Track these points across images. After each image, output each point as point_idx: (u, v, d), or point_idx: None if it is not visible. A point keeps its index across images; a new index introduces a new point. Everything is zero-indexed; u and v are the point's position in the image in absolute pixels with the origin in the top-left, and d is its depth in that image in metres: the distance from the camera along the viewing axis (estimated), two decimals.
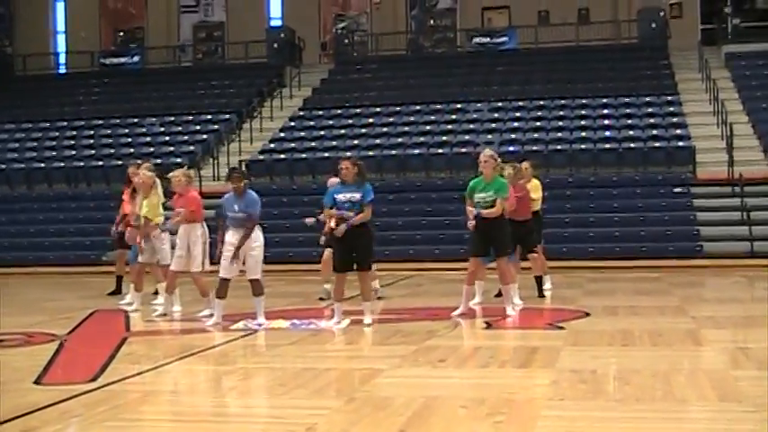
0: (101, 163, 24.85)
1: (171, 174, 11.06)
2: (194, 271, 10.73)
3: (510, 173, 11.64)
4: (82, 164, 25.10)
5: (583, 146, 23.12)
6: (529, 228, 11.93)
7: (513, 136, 24.15)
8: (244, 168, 10.86)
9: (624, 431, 5.23)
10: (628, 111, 24.83)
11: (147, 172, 11.50)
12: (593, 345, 8.29)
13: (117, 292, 13.21)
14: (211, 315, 10.11)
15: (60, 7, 35.22)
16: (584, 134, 23.77)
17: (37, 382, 6.91)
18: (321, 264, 12.51)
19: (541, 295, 12.28)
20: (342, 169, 9.67)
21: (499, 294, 11.66)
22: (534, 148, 23.30)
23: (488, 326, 9.67)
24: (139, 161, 13.05)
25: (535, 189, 12.65)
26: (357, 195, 9.52)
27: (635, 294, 13.09)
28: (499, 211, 10.19)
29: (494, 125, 25.00)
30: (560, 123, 24.60)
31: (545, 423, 5.26)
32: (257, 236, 9.92)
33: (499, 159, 10.51)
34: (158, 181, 11.52)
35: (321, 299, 12.16)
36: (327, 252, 12.63)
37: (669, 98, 25.31)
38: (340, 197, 9.58)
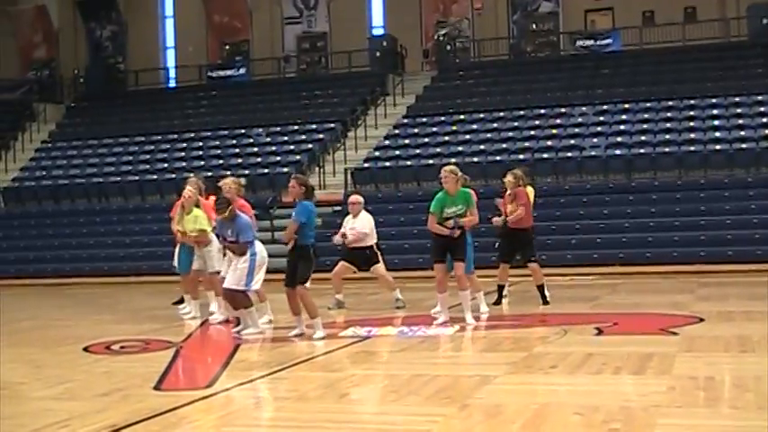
0: (210, 174, 25.33)
1: (222, 182, 11.30)
2: (209, 271, 11.16)
3: (510, 180, 12.17)
4: (192, 175, 25.64)
5: (692, 147, 22.62)
6: (529, 236, 12.18)
7: (619, 139, 23.78)
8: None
9: None
10: (738, 110, 24.17)
11: (191, 188, 11.70)
12: (708, 351, 8.09)
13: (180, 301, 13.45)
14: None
15: (170, 23, 36.17)
16: (693, 135, 23.24)
17: (155, 387, 7.10)
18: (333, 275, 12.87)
19: (546, 302, 12.22)
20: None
21: (497, 303, 12.09)
22: (641, 150, 22.94)
23: (599, 332, 9.54)
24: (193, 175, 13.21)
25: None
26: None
27: (750, 299, 12.70)
28: (475, 221, 10.38)
29: (599, 128, 24.66)
30: (668, 125, 24.11)
31: (662, 431, 5.16)
32: (252, 250, 10.04)
33: (460, 173, 10.59)
34: (200, 198, 11.69)
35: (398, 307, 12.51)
36: (340, 264, 12.89)
37: None
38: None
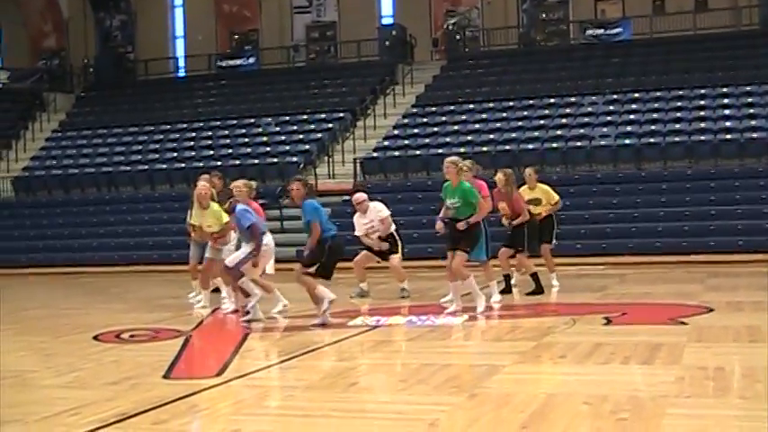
0: (219, 163, 25.40)
1: (233, 184, 11.33)
2: (221, 258, 11.28)
3: (500, 178, 12.12)
4: (201, 164, 25.71)
5: (702, 137, 22.55)
6: (522, 230, 12.15)
7: (629, 128, 23.71)
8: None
9: (755, 431, 5.07)
10: (750, 100, 24.07)
11: (204, 183, 11.80)
12: (718, 341, 8.08)
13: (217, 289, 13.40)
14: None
15: (179, 13, 36.19)
16: (703, 125, 23.17)
17: (165, 376, 7.12)
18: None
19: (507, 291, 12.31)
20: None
21: (504, 291, 11.99)
22: (651, 140, 22.87)
23: (608, 322, 9.53)
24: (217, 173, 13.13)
25: (545, 193, 13.08)
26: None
27: (760, 289, 12.64)
28: (477, 219, 10.26)
29: (609, 118, 24.59)
30: (678, 114, 24.03)
31: (671, 421, 5.15)
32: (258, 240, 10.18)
33: (461, 164, 10.51)
34: (213, 191, 11.72)
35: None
36: (362, 254, 12.93)
37: None
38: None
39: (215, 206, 11.56)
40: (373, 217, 12.69)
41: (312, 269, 9.74)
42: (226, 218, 11.38)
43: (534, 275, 12.36)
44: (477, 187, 10.95)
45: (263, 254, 10.25)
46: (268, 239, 10.47)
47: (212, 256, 11.86)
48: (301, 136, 27.00)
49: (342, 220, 18.84)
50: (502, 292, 11.99)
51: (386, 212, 12.74)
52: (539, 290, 12.25)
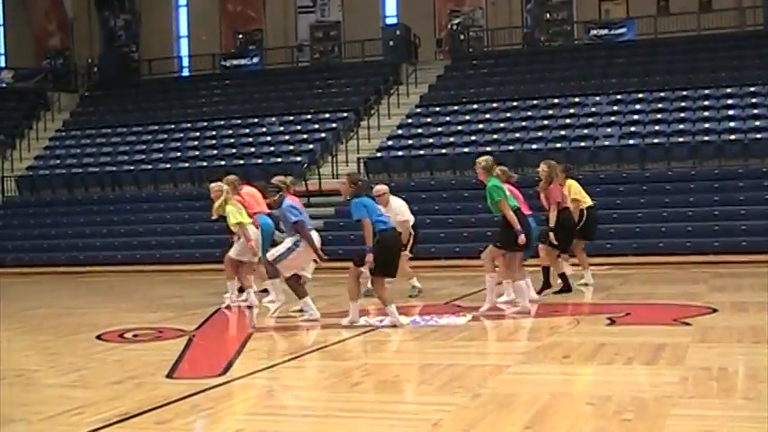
0: (223, 163, 25.45)
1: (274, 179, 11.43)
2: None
3: (544, 169, 12.21)
4: (205, 164, 25.77)
5: (706, 137, 22.53)
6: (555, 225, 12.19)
7: (632, 129, 23.70)
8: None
9: (758, 431, 5.05)
10: (754, 100, 24.05)
11: (213, 185, 12.09)
12: (721, 342, 8.07)
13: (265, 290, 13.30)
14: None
15: (183, 12, 36.23)
16: (707, 125, 23.15)
17: (168, 375, 7.12)
18: None
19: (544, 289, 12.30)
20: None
21: (557, 291, 12.01)
22: (655, 140, 22.87)
23: (612, 322, 9.52)
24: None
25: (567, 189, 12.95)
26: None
27: (763, 290, 12.63)
28: (508, 217, 10.23)
29: (613, 118, 24.57)
30: (682, 115, 24.01)
31: (675, 422, 5.14)
32: (295, 239, 10.12)
33: (485, 163, 10.50)
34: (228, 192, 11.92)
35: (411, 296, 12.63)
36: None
37: None
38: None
39: (228, 207, 11.75)
40: (391, 214, 11.99)
41: (366, 270, 9.54)
42: (235, 220, 11.64)
43: (545, 271, 12.39)
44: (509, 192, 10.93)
45: (305, 250, 10.14)
46: (316, 237, 10.38)
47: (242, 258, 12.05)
48: (305, 136, 27.00)
49: (345, 220, 18.89)
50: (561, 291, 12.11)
51: (406, 216, 12.52)
52: (546, 287, 12.26)
